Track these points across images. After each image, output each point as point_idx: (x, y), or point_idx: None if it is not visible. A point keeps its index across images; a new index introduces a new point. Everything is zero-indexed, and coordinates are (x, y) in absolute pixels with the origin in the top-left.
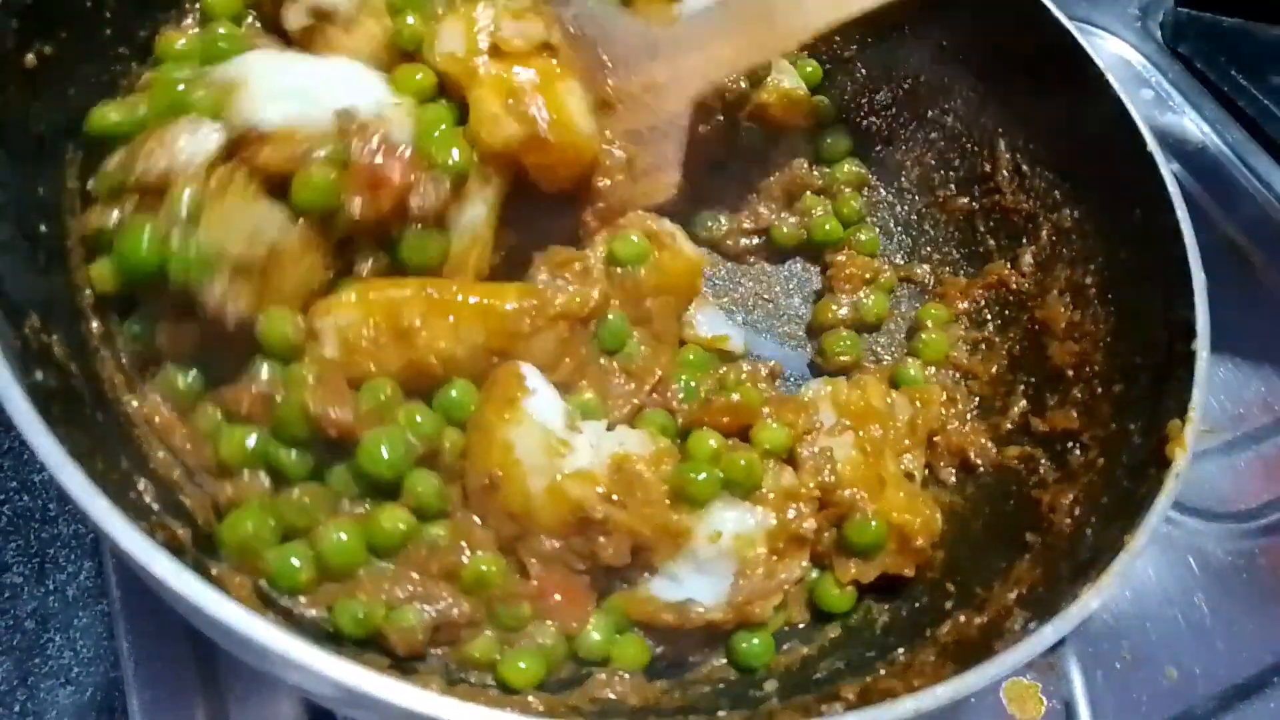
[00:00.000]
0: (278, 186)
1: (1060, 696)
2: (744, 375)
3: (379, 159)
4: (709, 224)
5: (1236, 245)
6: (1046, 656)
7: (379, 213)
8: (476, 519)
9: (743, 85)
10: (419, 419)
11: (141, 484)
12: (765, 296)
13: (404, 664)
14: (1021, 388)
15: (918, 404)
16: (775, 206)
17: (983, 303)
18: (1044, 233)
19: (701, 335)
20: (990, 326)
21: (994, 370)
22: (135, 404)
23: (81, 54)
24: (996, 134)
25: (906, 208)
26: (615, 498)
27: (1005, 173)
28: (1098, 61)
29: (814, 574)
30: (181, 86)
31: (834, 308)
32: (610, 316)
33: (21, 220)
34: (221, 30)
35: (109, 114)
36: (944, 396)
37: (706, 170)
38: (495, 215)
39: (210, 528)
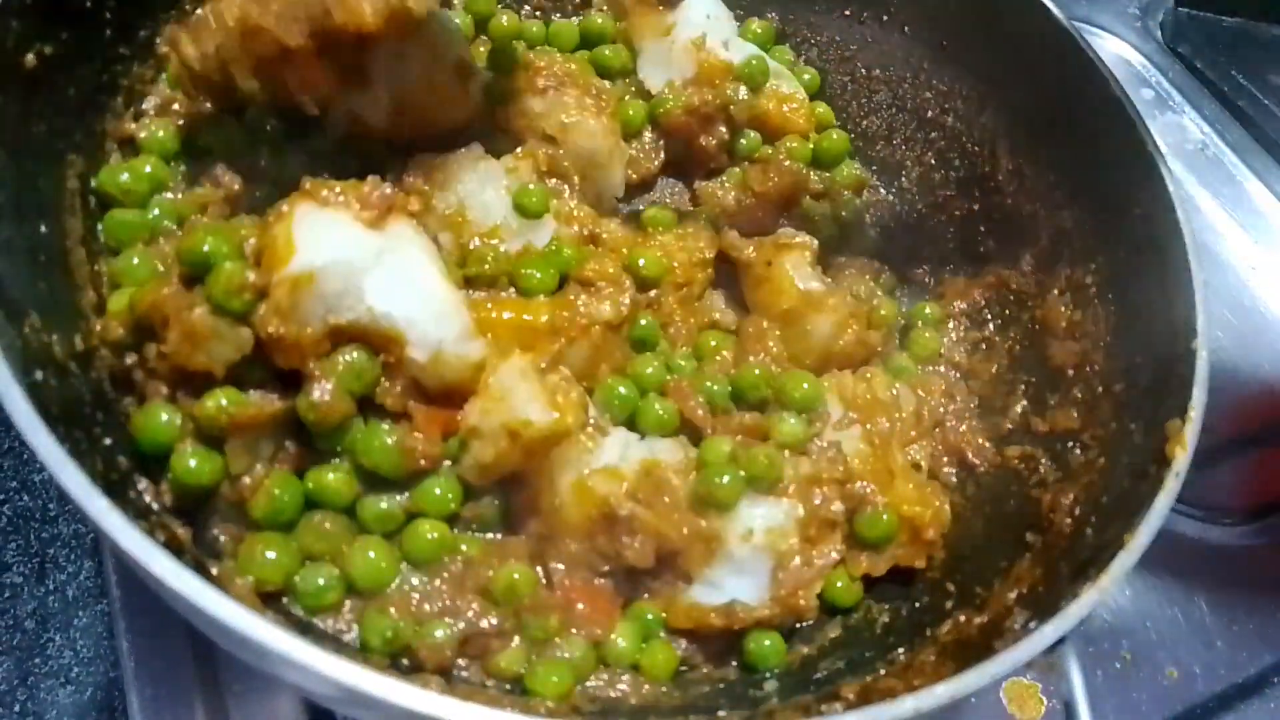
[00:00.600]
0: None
1: (1060, 696)
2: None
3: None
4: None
5: (1237, 245)
6: (1046, 656)
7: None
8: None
9: (743, 94)
10: None
11: (141, 483)
12: None
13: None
14: (1022, 387)
15: (921, 392)
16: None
17: (983, 303)
18: (1044, 233)
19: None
20: (990, 326)
21: (994, 370)
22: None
23: (82, 54)
24: (997, 134)
25: (906, 208)
26: (641, 496)
27: (1005, 173)
28: (1098, 61)
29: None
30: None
31: None
32: (642, 321)
33: (21, 220)
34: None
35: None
36: (943, 387)
37: (706, 176)
38: None
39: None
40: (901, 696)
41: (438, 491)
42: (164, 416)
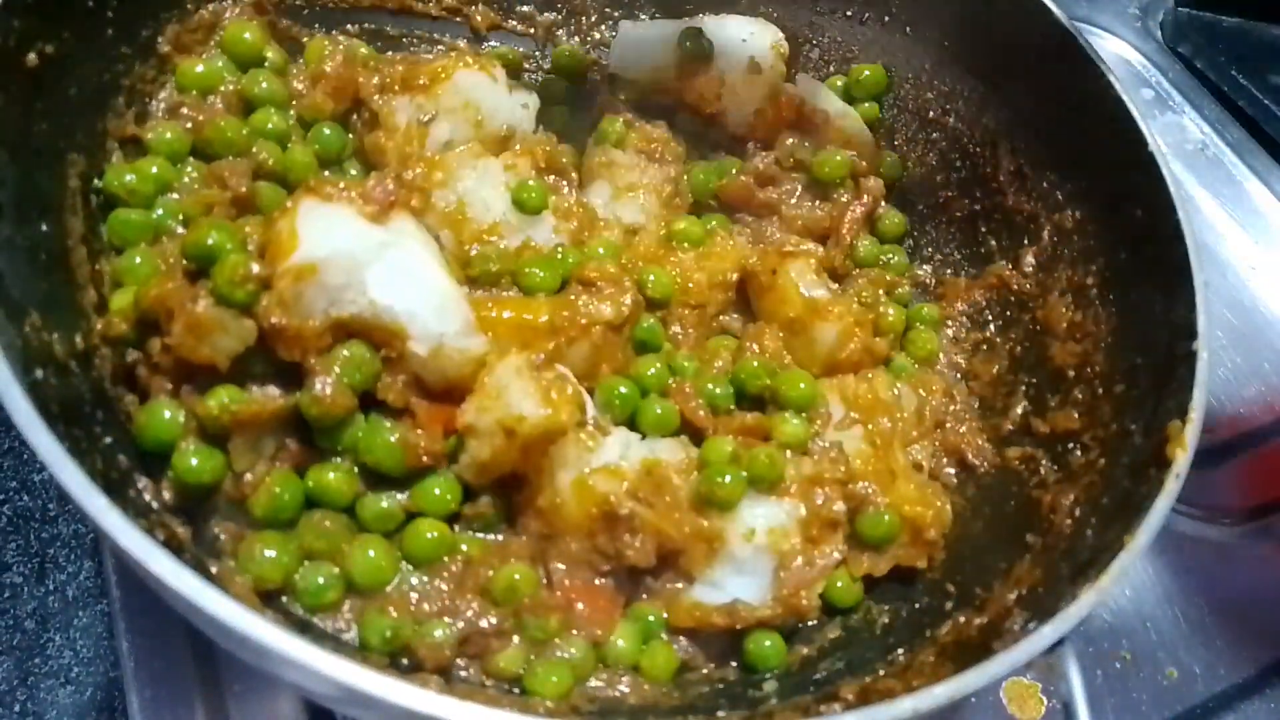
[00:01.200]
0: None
1: (1060, 696)
2: None
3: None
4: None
5: (1237, 245)
6: (1046, 656)
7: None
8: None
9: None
10: None
11: (141, 482)
12: None
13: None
14: (1023, 388)
15: (922, 391)
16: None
17: (984, 303)
18: (1045, 233)
19: None
20: (991, 327)
21: (995, 371)
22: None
23: (83, 53)
24: (998, 135)
25: (908, 208)
26: (641, 495)
27: (1006, 173)
28: (1098, 61)
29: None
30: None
31: None
32: (645, 323)
33: (22, 219)
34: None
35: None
36: (943, 387)
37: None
38: None
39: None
40: (901, 697)
41: (437, 491)
42: (166, 414)
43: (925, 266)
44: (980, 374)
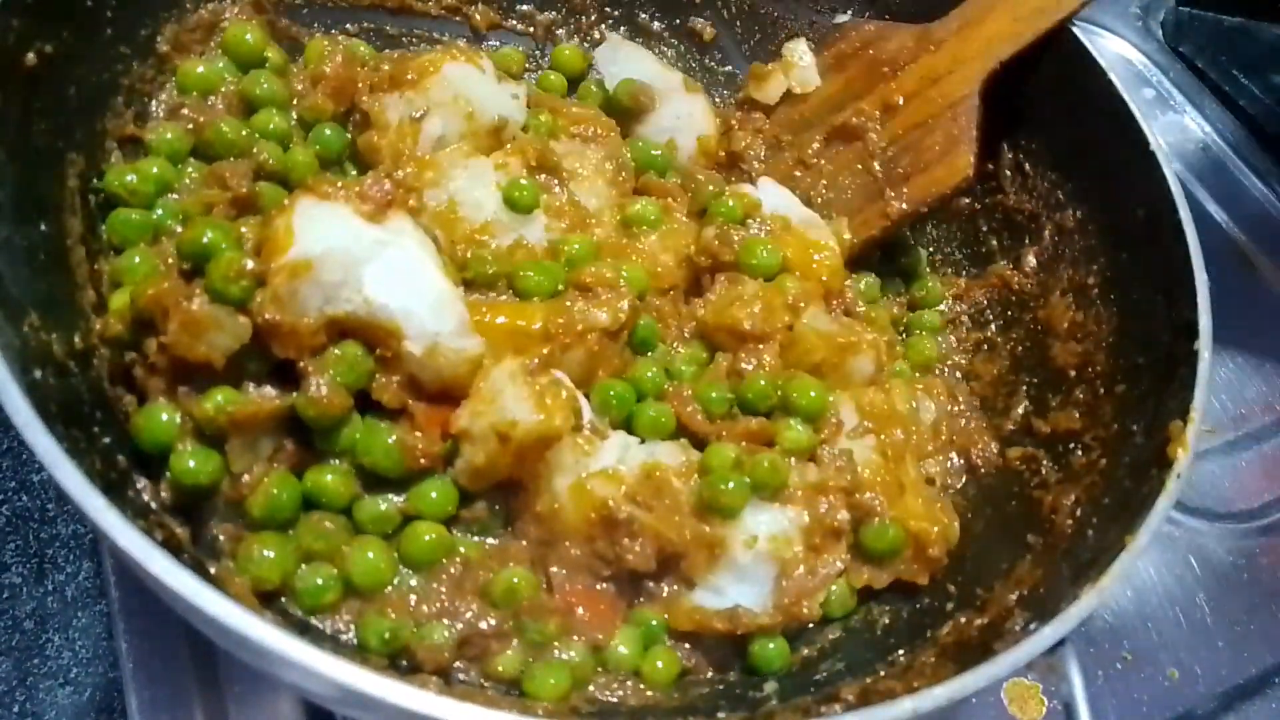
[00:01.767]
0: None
1: (1060, 697)
2: None
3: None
4: None
5: (1238, 245)
6: (1047, 657)
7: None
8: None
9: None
10: None
11: (140, 482)
12: None
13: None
14: (1024, 388)
15: (932, 404)
16: None
17: (985, 303)
18: (1046, 233)
19: None
20: (993, 327)
21: (996, 371)
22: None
23: (82, 53)
24: (999, 133)
25: None
26: (640, 499)
27: (1007, 172)
28: (1099, 61)
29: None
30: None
31: None
32: (641, 323)
33: (21, 219)
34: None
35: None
36: (945, 387)
37: None
38: None
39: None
40: (901, 698)
41: (434, 495)
42: (164, 416)
43: (927, 266)
44: (981, 374)
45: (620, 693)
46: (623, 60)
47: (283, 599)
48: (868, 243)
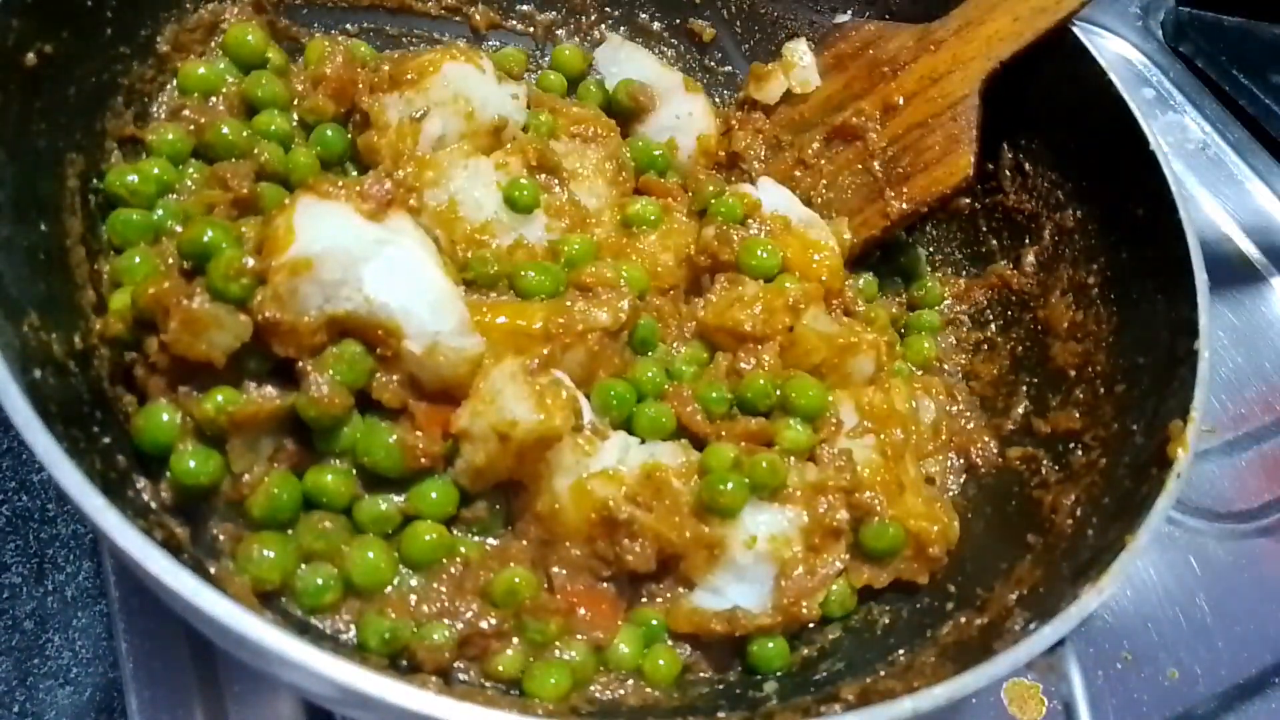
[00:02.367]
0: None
1: (1060, 697)
2: None
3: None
4: None
5: (1238, 245)
6: (1046, 657)
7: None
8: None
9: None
10: None
11: (140, 482)
12: None
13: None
14: (1024, 388)
15: (932, 403)
16: None
17: (985, 303)
18: (1046, 232)
19: None
20: (993, 327)
21: (996, 371)
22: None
23: (82, 53)
24: (998, 134)
25: None
26: (640, 500)
27: (1007, 172)
28: (1099, 61)
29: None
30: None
31: None
32: (641, 322)
33: (21, 219)
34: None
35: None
36: (945, 386)
37: None
38: None
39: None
40: (901, 697)
41: (434, 495)
42: (164, 417)
43: (926, 266)
44: (981, 374)
45: (620, 692)
46: (623, 60)
47: (283, 599)
48: (868, 243)
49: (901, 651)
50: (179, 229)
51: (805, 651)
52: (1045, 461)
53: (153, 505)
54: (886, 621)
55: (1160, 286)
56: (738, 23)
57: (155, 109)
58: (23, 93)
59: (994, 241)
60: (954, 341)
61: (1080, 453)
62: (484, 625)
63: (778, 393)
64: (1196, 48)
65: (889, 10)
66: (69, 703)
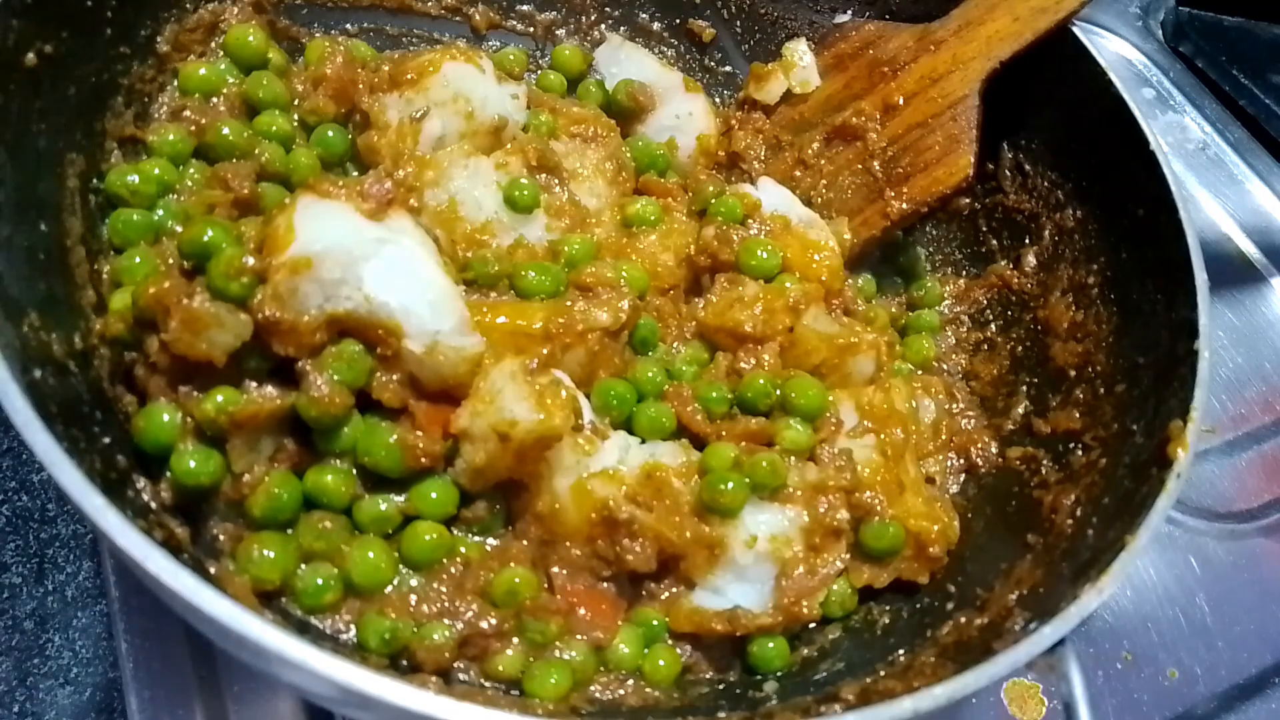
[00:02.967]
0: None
1: (1061, 697)
2: None
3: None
4: None
5: (1238, 245)
6: (1047, 657)
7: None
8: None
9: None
10: None
11: (140, 482)
12: None
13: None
14: (1024, 388)
15: (932, 403)
16: None
17: (985, 303)
18: (1046, 232)
19: None
20: (993, 327)
21: (996, 371)
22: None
23: (82, 53)
24: (998, 134)
25: None
26: (641, 499)
27: (1007, 172)
28: (1099, 60)
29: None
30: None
31: None
32: (642, 322)
33: (21, 219)
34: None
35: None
36: (944, 386)
37: None
38: None
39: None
40: (901, 697)
41: (434, 495)
42: (165, 417)
43: (926, 266)
44: (981, 374)
45: (620, 692)
46: (623, 60)
47: (283, 599)
48: (868, 243)
49: (901, 651)
50: (179, 229)
51: (805, 651)
52: (1045, 461)
53: (153, 505)
54: (886, 621)
55: (1160, 286)
56: (738, 23)
57: (156, 110)
58: (23, 93)
59: (994, 241)
60: (954, 341)
61: (1080, 453)
62: (484, 625)
63: (778, 393)
64: (1196, 48)
65: (889, 10)
66: (69, 703)
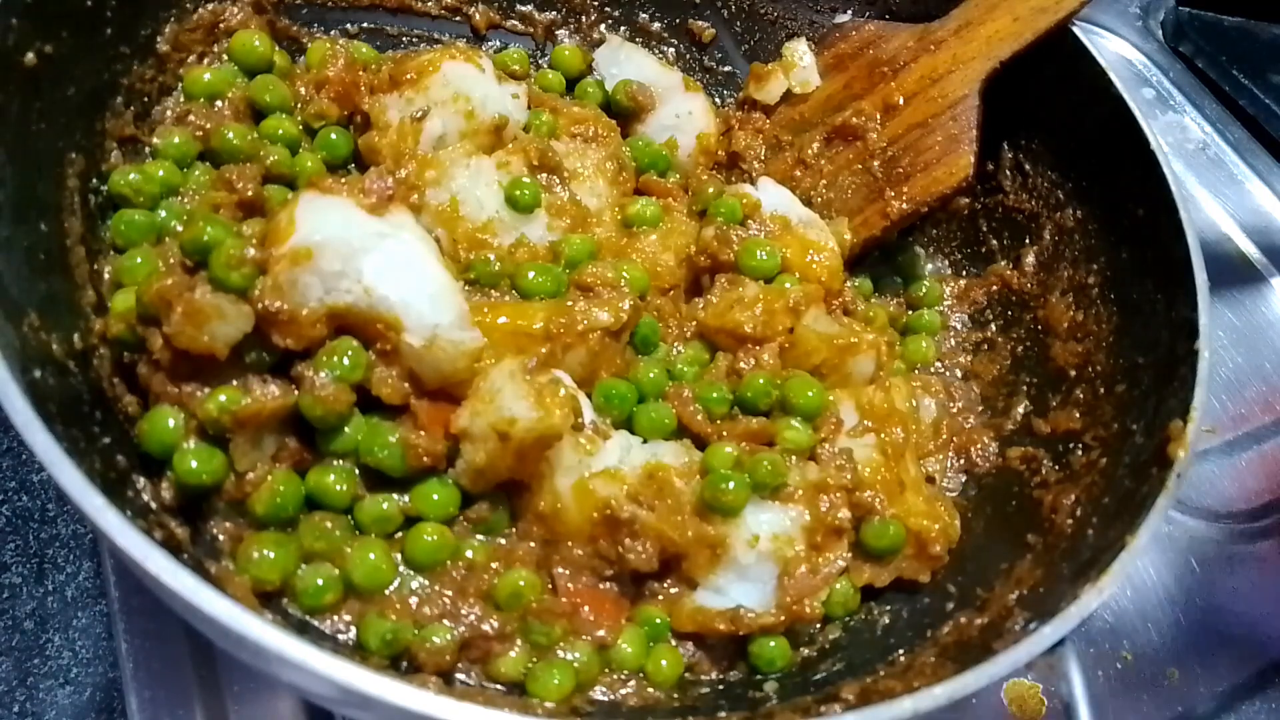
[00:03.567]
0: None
1: (1061, 697)
2: None
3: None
4: None
5: (1238, 245)
6: (1047, 657)
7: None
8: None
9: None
10: None
11: (140, 482)
12: None
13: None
14: (1024, 388)
15: (932, 403)
16: None
17: (985, 303)
18: (1046, 232)
19: None
20: (993, 327)
21: (996, 371)
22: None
23: (82, 53)
24: (998, 134)
25: None
26: (642, 499)
27: (1007, 172)
28: (1099, 61)
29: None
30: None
31: None
32: (643, 322)
33: (21, 219)
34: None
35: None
36: (943, 385)
37: None
38: None
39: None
40: (901, 697)
41: (435, 496)
42: (170, 421)
43: (927, 266)
44: (981, 374)
45: (621, 692)
46: (623, 60)
47: (283, 599)
48: (868, 243)
49: (901, 651)
50: (181, 229)
51: (805, 652)
52: (1045, 461)
53: (153, 505)
54: (886, 621)
55: (1160, 286)
56: (738, 23)
57: (161, 113)
58: (23, 93)
59: (994, 241)
60: (954, 342)
61: (1080, 453)
62: (486, 628)
63: (777, 393)
64: (1196, 48)
65: (889, 10)
66: (69, 703)
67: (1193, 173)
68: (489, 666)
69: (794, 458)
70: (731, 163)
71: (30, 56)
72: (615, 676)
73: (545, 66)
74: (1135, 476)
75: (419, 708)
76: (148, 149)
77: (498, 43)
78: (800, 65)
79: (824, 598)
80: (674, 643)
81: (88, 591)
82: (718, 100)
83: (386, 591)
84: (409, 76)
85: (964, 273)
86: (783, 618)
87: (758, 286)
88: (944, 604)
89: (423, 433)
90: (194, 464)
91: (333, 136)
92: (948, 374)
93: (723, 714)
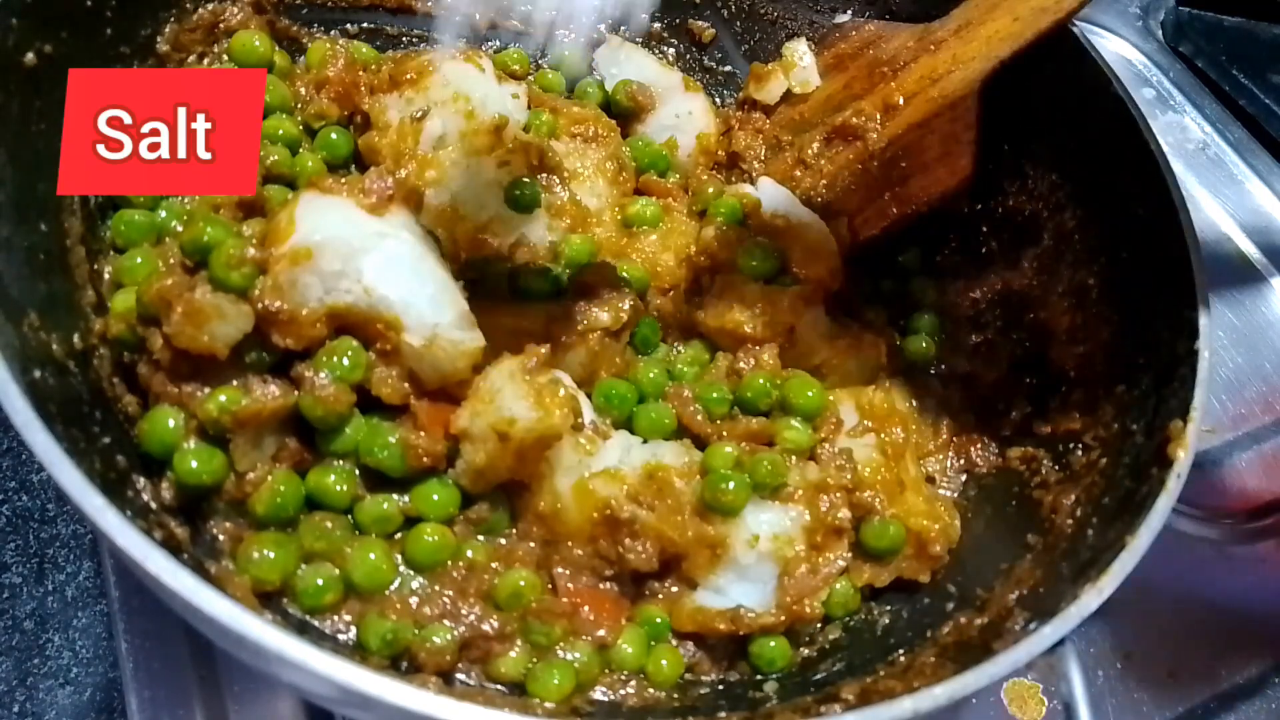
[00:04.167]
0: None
1: (1061, 697)
2: None
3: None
4: None
5: (1238, 245)
6: (1047, 657)
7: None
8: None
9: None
10: None
11: (140, 482)
12: None
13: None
14: (1024, 389)
15: (932, 402)
16: None
17: (985, 304)
18: (1046, 233)
19: None
20: (993, 328)
21: (996, 372)
22: None
23: (82, 54)
24: (998, 135)
25: None
26: (642, 499)
27: (1007, 174)
28: (1099, 60)
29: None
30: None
31: None
32: (643, 322)
33: (21, 220)
34: None
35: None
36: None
37: None
38: None
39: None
40: (901, 697)
41: (435, 497)
42: (170, 422)
43: (927, 266)
44: (981, 374)
45: (621, 692)
46: (623, 60)
47: (283, 599)
48: (868, 243)
49: (901, 651)
50: (181, 229)
51: (805, 652)
52: (1045, 461)
53: (153, 505)
54: (886, 621)
55: (1160, 287)
56: (738, 23)
57: None
58: (23, 93)
59: (994, 243)
60: (954, 342)
61: (1080, 453)
62: (486, 628)
63: (777, 393)
64: (1196, 48)
65: (889, 10)
66: (69, 703)
67: (1193, 173)
68: (489, 666)
69: (794, 458)
70: (731, 163)
71: (30, 56)
72: (615, 677)
73: (545, 66)
74: (1135, 477)
75: (419, 708)
76: None
77: (498, 43)
78: (800, 65)
79: (824, 598)
80: (674, 643)
81: (88, 591)
82: (718, 100)
83: (387, 591)
84: (409, 76)
85: (964, 273)
86: (783, 618)
87: (758, 287)
88: (944, 604)
89: (423, 433)
90: (194, 464)
91: (333, 136)
92: (948, 375)
93: (723, 714)
